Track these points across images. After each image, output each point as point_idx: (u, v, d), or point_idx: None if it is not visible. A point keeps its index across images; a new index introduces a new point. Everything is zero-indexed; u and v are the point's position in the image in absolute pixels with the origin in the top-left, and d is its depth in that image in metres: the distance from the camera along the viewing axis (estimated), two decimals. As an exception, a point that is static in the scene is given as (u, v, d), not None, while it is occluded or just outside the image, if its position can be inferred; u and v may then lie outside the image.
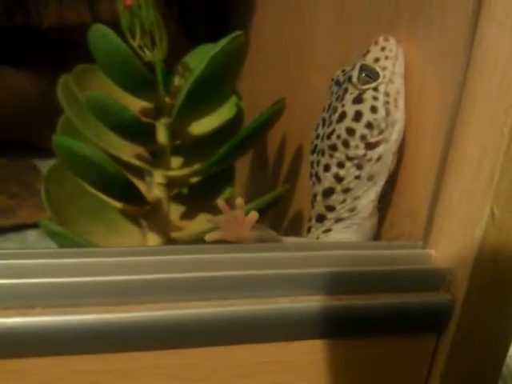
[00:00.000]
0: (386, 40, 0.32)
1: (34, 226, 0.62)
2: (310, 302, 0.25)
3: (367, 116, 0.31)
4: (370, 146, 0.31)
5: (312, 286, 0.26)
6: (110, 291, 0.23)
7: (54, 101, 0.44)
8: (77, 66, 0.45)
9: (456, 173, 0.27)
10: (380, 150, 0.31)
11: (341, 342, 0.27)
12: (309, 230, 0.34)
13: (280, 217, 0.52)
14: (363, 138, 0.31)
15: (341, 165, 0.32)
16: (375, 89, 0.31)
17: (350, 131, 0.31)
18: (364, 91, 0.31)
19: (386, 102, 0.31)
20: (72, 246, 0.40)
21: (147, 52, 0.42)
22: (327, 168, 0.32)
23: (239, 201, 0.28)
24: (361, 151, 0.31)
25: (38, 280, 0.22)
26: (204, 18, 0.65)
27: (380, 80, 0.31)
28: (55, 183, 0.45)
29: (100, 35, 0.38)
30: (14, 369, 0.22)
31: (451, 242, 0.28)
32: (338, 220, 0.33)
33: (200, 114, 0.44)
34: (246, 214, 0.29)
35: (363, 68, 0.31)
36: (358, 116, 0.31)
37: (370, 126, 0.31)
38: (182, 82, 0.46)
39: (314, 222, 0.34)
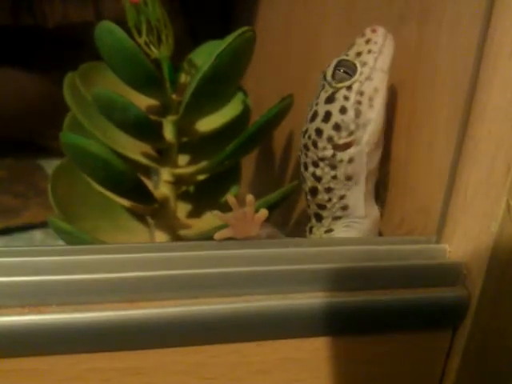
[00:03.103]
0: (373, 31, 0.30)
1: (40, 225, 0.61)
2: (325, 299, 0.25)
3: (336, 117, 0.30)
4: (339, 148, 0.30)
5: (327, 281, 0.25)
6: (124, 288, 0.23)
7: (59, 100, 0.44)
8: (82, 64, 0.45)
9: (471, 166, 0.27)
10: (351, 151, 0.30)
11: (356, 339, 0.26)
12: (310, 230, 0.33)
13: (288, 214, 0.52)
14: (330, 139, 0.30)
15: (315, 164, 0.31)
16: (349, 87, 0.30)
17: (319, 132, 0.30)
18: (338, 90, 0.30)
19: (358, 102, 0.30)
20: (80, 244, 0.39)
21: (153, 49, 0.42)
22: (306, 166, 0.32)
23: (249, 198, 0.27)
24: (329, 152, 0.30)
25: (52, 277, 0.22)
26: (208, 15, 0.64)
27: (356, 77, 0.30)
28: (62, 182, 0.45)
29: (107, 31, 0.37)
30: (29, 367, 0.22)
31: (466, 237, 0.27)
32: (335, 218, 0.32)
33: (207, 111, 0.44)
34: (256, 211, 0.28)
35: (341, 64, 0.30)
36: (327, 116, 0.30)
37: (337, 127, 0.30)
38: (187, 79, 0.45)
39: (314, 221, 0.33)
